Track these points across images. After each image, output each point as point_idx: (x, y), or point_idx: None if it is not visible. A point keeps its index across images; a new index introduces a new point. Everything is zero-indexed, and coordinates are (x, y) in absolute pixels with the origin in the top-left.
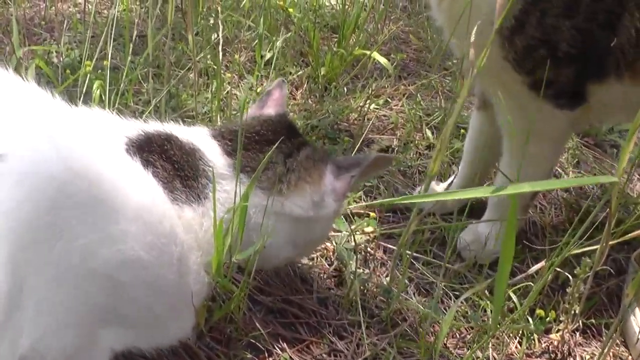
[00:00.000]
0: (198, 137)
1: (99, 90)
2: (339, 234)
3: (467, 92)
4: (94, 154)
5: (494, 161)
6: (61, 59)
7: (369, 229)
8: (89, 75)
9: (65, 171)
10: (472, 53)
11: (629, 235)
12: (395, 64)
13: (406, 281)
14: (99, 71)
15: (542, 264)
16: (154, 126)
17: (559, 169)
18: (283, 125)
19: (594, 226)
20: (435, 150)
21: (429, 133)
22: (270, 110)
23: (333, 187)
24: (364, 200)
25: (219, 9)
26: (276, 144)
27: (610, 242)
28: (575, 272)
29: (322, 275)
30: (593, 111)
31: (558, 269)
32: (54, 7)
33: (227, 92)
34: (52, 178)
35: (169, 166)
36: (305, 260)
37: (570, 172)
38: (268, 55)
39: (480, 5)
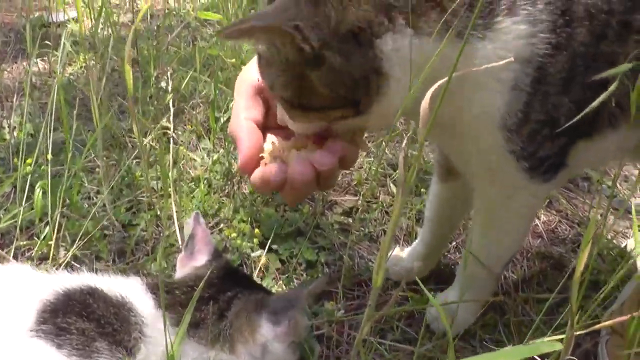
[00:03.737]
0: (130, 289)
1: (40, 193)
2: None
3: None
4: None
5: (458, 226)
6: (14, 135)
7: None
8: (30, 175)
9: None
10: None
11: (596, 327)
12: None
13: None
14: (45, 164)
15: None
16: (78, 279)
17: None
18: (215, 278)
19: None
20: (377, 259)
21: (394, 188)
22: (202, 255)
23: (275, 334)
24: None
25: (169, 73)
26: (196, 298)
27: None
28: None
29: None
30: (569, 171)
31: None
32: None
33: (184, 157)
34: None
35: (90, 325)
36: None
37: (542, 215)
38: (224, 118)
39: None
